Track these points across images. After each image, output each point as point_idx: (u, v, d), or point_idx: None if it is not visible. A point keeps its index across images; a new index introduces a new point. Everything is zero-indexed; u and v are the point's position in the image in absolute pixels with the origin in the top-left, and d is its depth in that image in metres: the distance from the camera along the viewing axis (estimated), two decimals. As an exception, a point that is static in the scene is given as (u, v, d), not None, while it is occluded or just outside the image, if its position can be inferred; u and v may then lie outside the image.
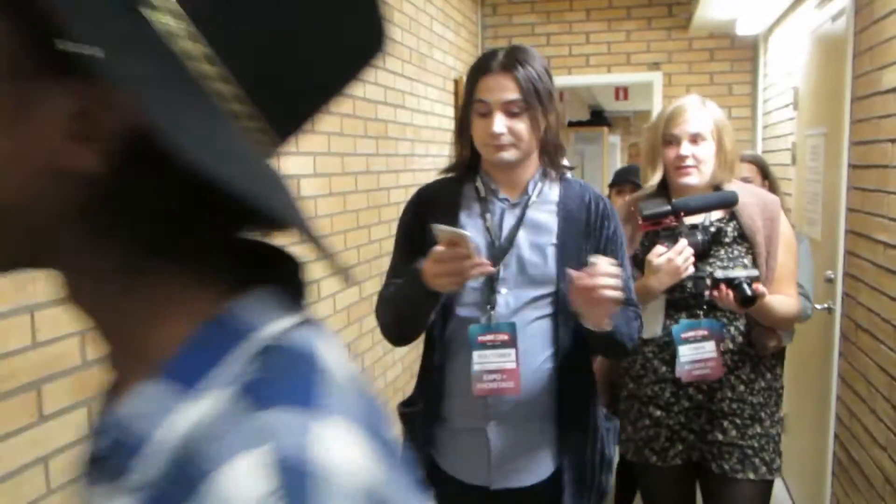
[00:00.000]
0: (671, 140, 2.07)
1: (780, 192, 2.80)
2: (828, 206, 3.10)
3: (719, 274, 1.94)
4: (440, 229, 1.40)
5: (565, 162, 1.70)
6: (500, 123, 1.54)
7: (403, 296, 1.58)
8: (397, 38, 3.66)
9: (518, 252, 1.61)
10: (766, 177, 2.80)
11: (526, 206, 1.63)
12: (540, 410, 1.62)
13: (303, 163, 2.61)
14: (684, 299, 2.07)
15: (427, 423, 1.67)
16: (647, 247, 2.07)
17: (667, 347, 2.07)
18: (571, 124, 11.48)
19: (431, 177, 4.32)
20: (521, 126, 1.55)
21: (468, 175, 1.70)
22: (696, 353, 1.99)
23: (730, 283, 1.91)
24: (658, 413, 2.12)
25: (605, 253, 1.58)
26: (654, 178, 2.16)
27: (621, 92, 10.21)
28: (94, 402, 1.64)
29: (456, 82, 4.69)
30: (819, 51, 3.41)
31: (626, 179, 3.42)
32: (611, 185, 3.60)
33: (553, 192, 1.66)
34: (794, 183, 3.80)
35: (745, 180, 2.62)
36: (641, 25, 5.22)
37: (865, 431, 2.60)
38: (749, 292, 1.89)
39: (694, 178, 2.06)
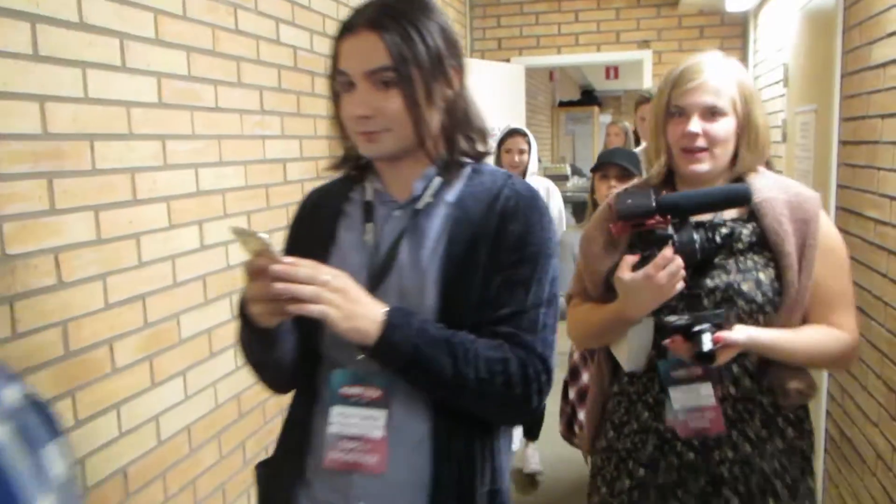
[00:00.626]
0: (677, 111, 1.52)
1: (774, 171, 2.73)
2: (818, 183, 3.09)
3: (672, 319, 1.43)
4: (234, 231, 1.04)
5: (486, 146, 1.28)
6: (362, 101, 1.12)
7: (239, 333, 1.21)
8: (383, 18, 3.61)
9: (399, 274, 1.18)
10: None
11: (414, 212, 1.20)
12: (414, 500, 1.17)
13: (289, 146, 2.57)
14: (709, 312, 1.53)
15: (287, 485, 1.27)
16: (644, 258, 1.47)
17: (651, 386, 1.58)
18: (562, 104, 11.45)
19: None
20: (393, 103, 1.11)
21: (362, 172, 1.29)
22: (691, 398, 1.48)
23: (686, 331, 1.40)
24: (641, 471, 1.59)
25: (499, 266, 1.15)
26: (661, 163, 1.61)
27: (611, 71, 10.17)
28: (78, 393, 1.62)
29: (444, 63, 4.64)
30: (809, 26, 3.38)
31: (610, 162, 2.83)
32: (593, 170, 2.98)
33: (455, 188, 1.22)
34: (785, 160, 3.78)
35: None
36: (631, 3, 5.18)
37: (857, 408, 2.61)
38: (706, 346, 1.35)
39: (704, 165, 1.50)
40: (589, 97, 12.11)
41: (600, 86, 12.28)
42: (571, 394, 2.84)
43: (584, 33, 5.28)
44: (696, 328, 1.38)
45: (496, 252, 1.16)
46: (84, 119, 1.63)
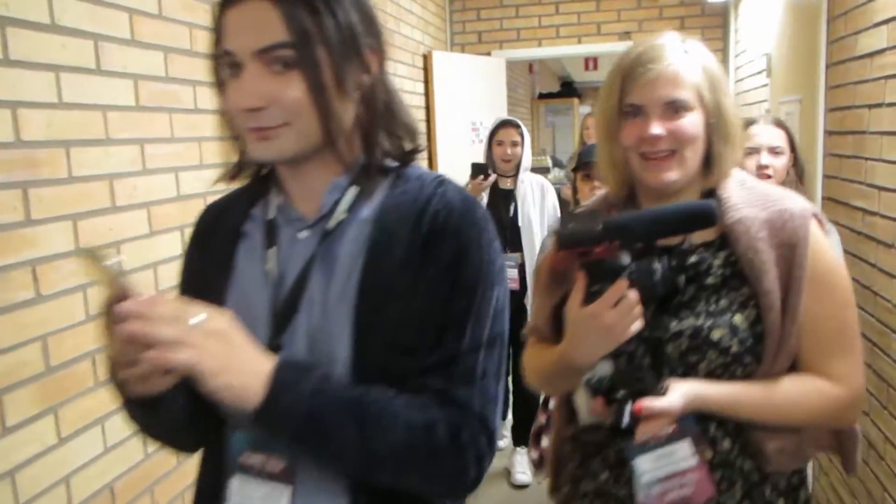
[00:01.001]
0: (632, 111, 1.21)
1: (806, 173, 2.23)
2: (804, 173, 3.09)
3: (590, 376, 1.18)
4: (81, 252, 0.86)
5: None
6: (252, 89, 0.86)
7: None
8: (363, 13, 3.56)
9: (309, 314, 0.93)
10: (793, 149, 2.19)
11: (324, 233, 0.95)
12: None
13: (271, 147, 2.52)
14: (633, 373, 1.22)
15: None
16: (593, 293, 1.14)
17: (612, 441, 1.25)
18: (542, 96, 11.43)
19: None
20: (292, 91, 0.87)
21: (265, 182, 1.03)
22: (665, 464, 1.15)
23: (608, 394, 1.16)
24: None
25: (426, 300, 0.91)
26: (617, 178, 1.32)
27: (591, 62, 10.17)
28: (61, 410, 1.57)
29: (425, 57, 4.60)
30: (792, 16, 3.38)
31: (592, 161, 2.52)
32: (575, 170, 2.74)
33: (374, 200, 0.97)
34: (769, 150, 3.79)
35: (774, 151, 2.15)
36: (611, -6, 5.17)
37: (847, 398, 2.61)
38: (625, 420, 1.13)
39: (672, 173, 1.20)
40: (568, 89, 12.11)
41: (580, 77, 12.28)
42: (552, 402, 2.66)
43: (565, 25, 5.25)
44: (618, 394, 1.14)
45: (422, 281, 0.91)
46: (59, 125, 1.57)
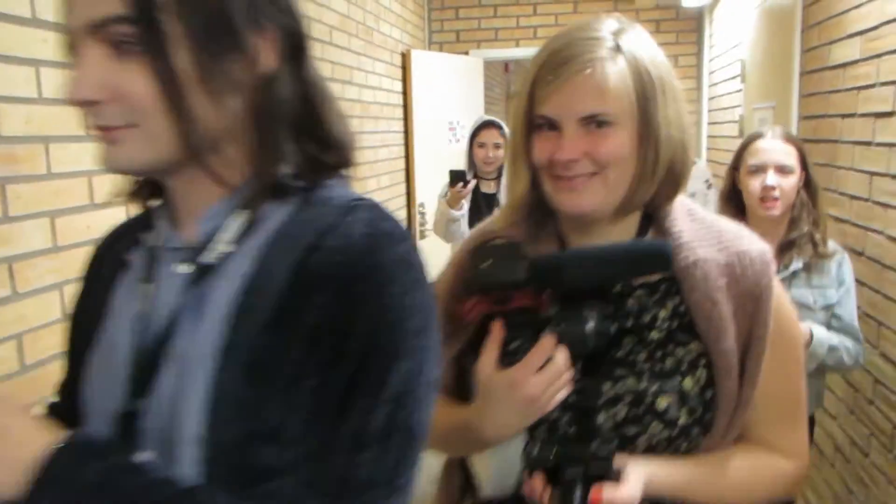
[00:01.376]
0: (544, 123, 0.94)
1: (820, 192, 1.98)
2: (776, 179, 3.14)
3: (532, 448, 0.93)
4: None
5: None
6: (86, 76, 0.66)
7: None
8: (343, 11, 3.54)
9: (172, 375, 0.71)
10: (805, 167, 1.95)
11: (201, 268, 0.73)
12: None
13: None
14: (583, 446, 0.99)
15: None
16: (511, 351, 0.92)
17: None
18: (517, 95, 11.47)
19: (380, 155, 4.25)
20: (135, 82, 0.66)
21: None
22: None
23: (551, 473, 0.91)
24: None
25: (300, 371, 0.67)
26: (520, 199, 1.02)
27: (566, 62, 10.20)
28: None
29: (404, 55, 4.60)
30: (766, 24, 3.43)
31: None
32: None
33: (266, 229, 0.73)
34: (742, 155, 3.85)
35: (783, 171, 1.92)
36: (588, -4, 5.21)
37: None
38: None
39: (593, 198, 0.94)
40: (543, 88, 12.17)
41: (554, 77, 12.35)
42: None
43: (543, 26, 5.28)
44: (566, 473, 0.89)
45: (296, 342, 0.67)
46: (38, 120, 1.55)
